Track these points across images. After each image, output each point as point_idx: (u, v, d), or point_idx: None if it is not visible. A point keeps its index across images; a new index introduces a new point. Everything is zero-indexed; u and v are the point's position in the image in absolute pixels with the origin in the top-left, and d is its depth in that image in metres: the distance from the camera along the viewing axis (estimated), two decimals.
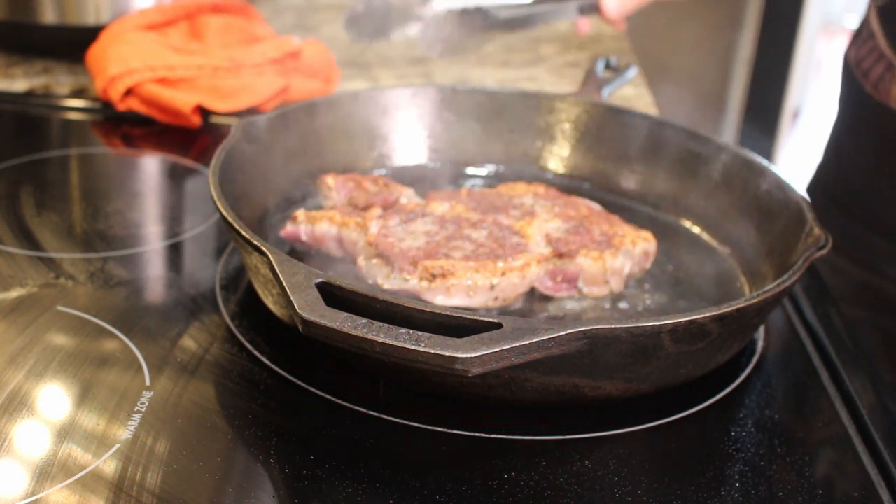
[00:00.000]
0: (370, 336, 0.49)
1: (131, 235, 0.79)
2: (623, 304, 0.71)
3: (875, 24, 1.08)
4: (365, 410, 0.60)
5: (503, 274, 0.66)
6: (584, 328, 0.52)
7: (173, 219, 0.84)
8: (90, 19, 1.14)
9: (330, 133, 0.87)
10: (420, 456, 0.57)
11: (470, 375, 0.49)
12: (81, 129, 1.04)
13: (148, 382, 0.60)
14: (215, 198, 0.65)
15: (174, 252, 0.78)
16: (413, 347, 0.49)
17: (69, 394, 0.59)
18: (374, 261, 0.67)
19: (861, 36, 1.12)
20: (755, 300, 0.59)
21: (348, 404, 0.60)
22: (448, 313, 0.53)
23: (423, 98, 0.91)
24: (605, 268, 0.70)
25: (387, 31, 1.27)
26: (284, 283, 0.53)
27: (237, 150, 0.74)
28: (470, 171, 0.93)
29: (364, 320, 0.50)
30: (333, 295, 0.53)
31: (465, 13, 1.17)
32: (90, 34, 1.09)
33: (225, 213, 0.62)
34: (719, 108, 2.02)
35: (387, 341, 0.49)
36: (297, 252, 0.73)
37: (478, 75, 1.25)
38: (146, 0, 1.15)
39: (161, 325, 0.67)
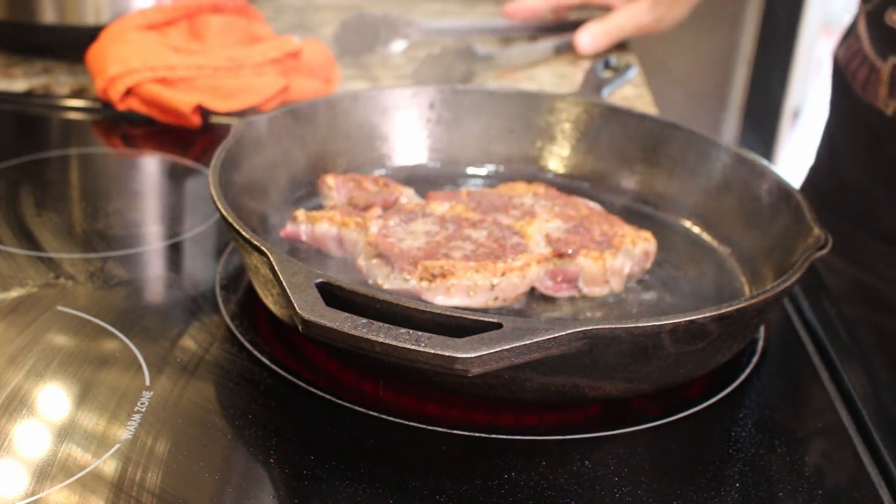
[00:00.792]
0: (370, 336, 0.49)
1: (131, 235, 0.79)
2: (623, 304, 0.71)
3: (861, 28, 1.09)
4: (365, 410, 0.60)
5: (503, 274, 0.66)
6: (584, 328, 0.52)
7: (173, 219, 0.84)
8: (90, 19, 1.14)
9: (330, 133, 0.87)
10: (420, 456, 0.57)
11: (470, 375, 0.49)
12: (81, 129, 1.04)
13: (148, 382, 0.60)
14: (215, 198, 0.65)
15: (174, 252, 0.78)
16: (413, 347, 0.49)
17: (69, 394, 0.59)
18: (374, 261, 0.67)
19: (849, 38, 1.13)
20: (755, 300, 0.59)
21: (348, 404, 0.60)
22: (448, 313, 0.53)
23: (423, 98, 0.91)
24: (606, 268, 0.70)
25: (373, 48, 1.30)
26: (284, 283, 0.53)
27: (237, 150, 0.74)
28: (470, 171, 0.93)
29: (364, 320, 0.50)
30: (333, 295, 0.53)
31: (452, 51, 1.21)
32: (90, 34, 1.09)
33: (225, 213, 0.62)
34: (719, 108, 2.02)
35: (387, 341, 0.49)
36: (297, 252, 0.73)
37: (480, 75, 1.25)
38: (146, 0, 1.15)
39: (161, 325, 0.67)
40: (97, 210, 0.83)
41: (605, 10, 1.44)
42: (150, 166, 0.98)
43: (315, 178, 0.81)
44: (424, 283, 0.64)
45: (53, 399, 0.59)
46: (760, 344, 0.71)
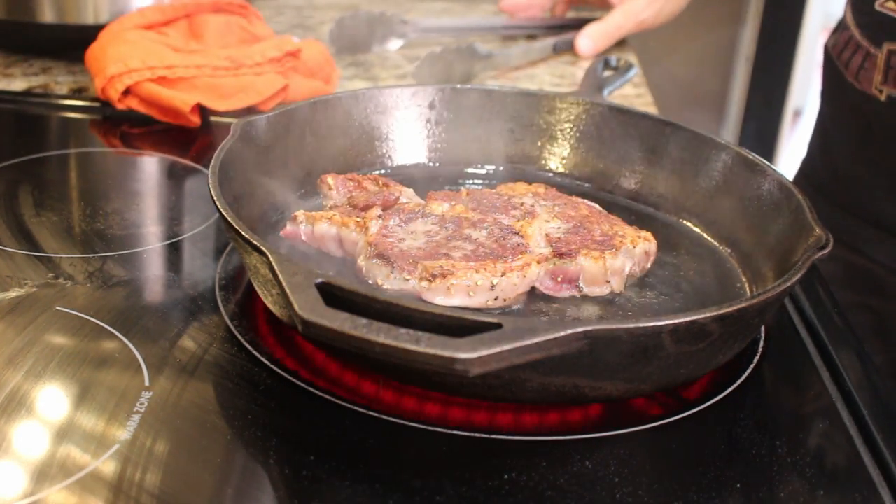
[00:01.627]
0: (370, 336, 0.49)
1: (130, 235, 0.79)
2: (624, 305, 0.71)
3: (849, 16, 1.11)
4: (365, 410, 0.60)
5: (503, 274, 0.66)
6: (584, 328, 0.52)
7: (172, 219, 0.84)
8: (89, 18, 1.14)
9: (330, 133, 0.86)
10: (420, 456, 0.57)
11: (470, 376, 0.49)
12: (80, 129, 1.04)
13: (147, 383, 0.60)
14: (215, 197, 0.64)
15: (173, 252, 0.78)
16: (413, 348, 0.49)
17: (68, 394, 0.59)
18: (374, 261, 0.67)
19: (839, 28, 1.15)
20: (756, 300, 0.59)
21: (348, 404, 0.60)
22: (448, 313, 0.53)
23: (423, 98, 0.91)
24: (606, 268, 0.70)
25: (368, 47, 1.30)
26: (284, 284, 0.53)
27: (237, 149, 0.74)
28: (470, 171, 0.93)
29: (364, 320, 0.50)
30: (333, 295, 0.53)
31: (452, 50, 1.21)
32: (89, 33, 1.09)
33: (224, 213, 0.62)
34: (720, 107, 2.02)
35: (387, 341, 0.49)
36: (297, 252, 0.73)
37: (479, 75, 1.25)
38: None
39: (160, 325, 0.66)
40: (96, 210, 0.83)
41: (605, 7, 1.44)
42: (150, 166, 0.97)
43: (315, 178, 0.81)
44: (424, 283, 0.64)
45: (52, 399, 0.59)
46: (761, 344, 0.71)
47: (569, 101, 0.92)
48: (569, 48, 1.37)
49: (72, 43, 1.13)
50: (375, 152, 0.90)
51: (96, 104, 1.06)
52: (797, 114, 3.15)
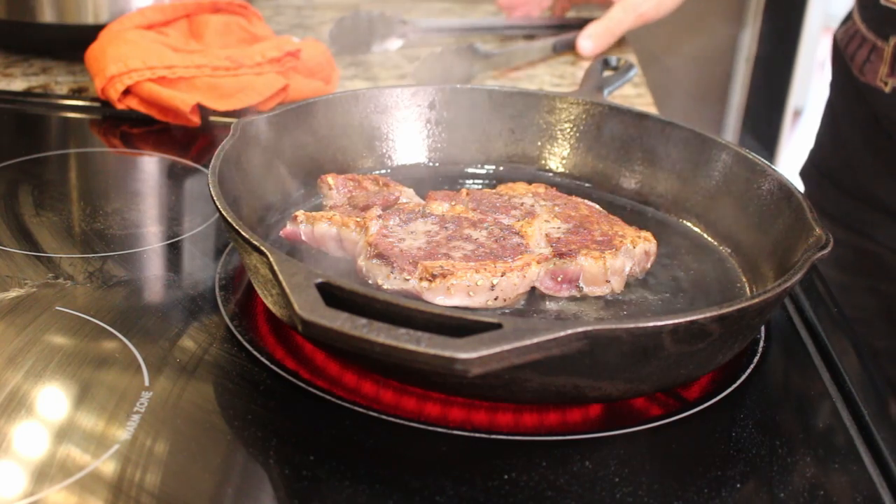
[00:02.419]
0: (370, 336, 0.49)
1: (130, 235, 0.79)
2: (624, 304, 0.71)
3: (855, 11, 1.13)
4: (365, 411, 0.60)
5: (503, 274, 0.66)
6: (584, 328, 0.52)
7: (172, 219, 0.84)
8: (89, 18, 1.14)
9: (330, 133, 0.86)
10: (420, 456, 0.57)
11: (470, 376, 0.49)
12: (80, 129, 1.04)
13: (147, 383, 0.60)
14: (214, 197, 0.64)
15: (173, 252, 0.78)
16: (413, 348, 0.49)
17: (68, 394, 0.59)
18: (374, 261, 0.67)
19: (847, 21, 1.18)
20: (756, 300, 0.59)
21: (348, 404, 0.60)
22: (448, 313, 0.53)
23: (422, 98, 0.91)
24: (606, 267, 0.70)
25: (368, 46, 1.30)
26: (284, 284, 0.53)
27: (236, 149, 0.74)
28: (470, 171, 0.93)
29: (364, 320, 0.50)
30: (333, 295, 0.53)
31: (452, 50, 1.21)
32: (89, 33, 1.09)
33: (224, 213, 0.62)
34: (720, 107, 2.02)
35: (387, 342, 0.49)
36: (297, 252, 0.73)
37: (478, 75, 1.25)
38: None
39: (160, 325, 0.66)
40: (96, 210, 0.83)
41: (605, 4, 1.44)
42: (150, 166, 0.97)
43: (315, 178, 0.81)
44: (424, 284, 0.64)
45: (52, 399, 0.59)
46: (761, 344, 0.71)
47: (569, 101, 0.92)
48: (569, 48, 1.37)
49: (72, 43, 1.13)
50: (375, 152, 0.90)
51: (96, 104, 1.06)
52: (797, 114, 3.15)
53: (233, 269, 0.74)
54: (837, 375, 0.68)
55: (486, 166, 0.93)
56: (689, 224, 0.85)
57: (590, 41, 1.35)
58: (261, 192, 0.77)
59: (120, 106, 1.02)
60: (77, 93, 1.10)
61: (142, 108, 1.02)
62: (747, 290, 0.76)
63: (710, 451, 0.59)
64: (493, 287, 0.66)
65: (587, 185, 0.91)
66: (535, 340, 0.50)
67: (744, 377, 0.67)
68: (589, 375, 0.57)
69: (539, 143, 0.93)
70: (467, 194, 0.78)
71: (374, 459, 0.56)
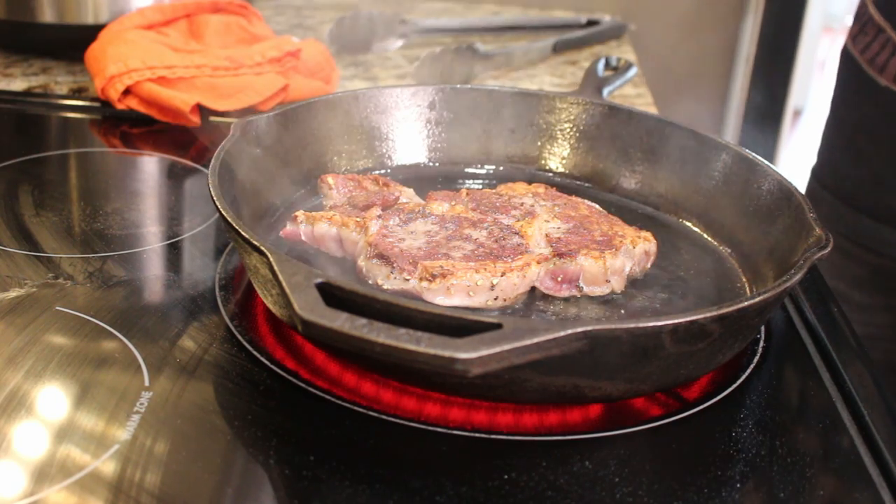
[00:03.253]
0: (370, 336, 0.49)
1: (130, 235, 0.79)
2: (624, 304, 0.71)
3: (876, 16, 1.09)
4: (365, 411, 0.60)
5: (503, 274, 0.66)
6: (584, 328, 0.52)
7: (172, 219, 0.84)
8: (89, 18, 1.14)
9: (330, 133, 0.86)
10: (420, 456, 0.57)
11: (470, 376, 0.49)
12: (80, 129, 1.04)
13: (147, 383, 0.60)
14: (214, 197, 0.64)
15: (173, 252, 0.78)
16: (413, 348, 0.49)
17: (68, 394, 0.59)
18: (374, 261, 0.67)
19: (864, 29, 1.14)
20: (756, 300, 0.59)
21: (348, 404, 0.60)
22: (448, 313, 0.53)
23: (422, 98, 0.91)
24: (606, 267, 0.70)
25: (368, 46, 1.30)
26: (284, 284, 0.53)
27: (236, 149, 0.74)
28: (470, 171, 0.93)
29: (364, 320, 0.50)
30: (333, 295, 0.53)
31: (452, 50, 1.21)
32: (89, 33, 1.09)
33: (224, 213, 0.62)
34: (720, 107, 2.02)
35: (387, 341, 0.49)
36: (297, 252, 0.73)
37: (478, 75, 1.25)
38: None
39: (160, 325, 0.66)
40: (96, 210, 0.83)
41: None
42: (150, 166, 0.97)
43: (315, 178, 0.81)
44: (424, 284, 0.64)
45: (52, 399, 0.59)
46: (761, 344, 0.71)
47: (569, 101, 0.92)
48: (569, 48, 1.37)
49: (72, 43, 1.13)
50: (375, 152, 0.90)
51: (96, 104, 1.06)
52: (797, 114, 3.15)
53: (233, 269, 0.74)
54: (837, 375, 0.68)
55: (486, 166, 0.93)
56: (689, 224, 0.85)
57: None
58: (261, 192, 0.77)
59: (120, 106, 1.02)
60: (77, 93, 1.10)
61: (142, 108, 1.02)
62: (747, 290, 0.76)
63: (710, 451, 0.59)
64: (493, 287, 0.66)
65: (587, 185, 0.91)
66: (535, 340, 0.50)
67: (744, 377, 0.67)
68: (589, 375, 0.57)
69: (539, 143, 0.93)
70: (467, 194, 0.78)
71: (374, 459, 0.56)
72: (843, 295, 0.79)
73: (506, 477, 0.55)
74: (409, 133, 0.91)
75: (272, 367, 0.63)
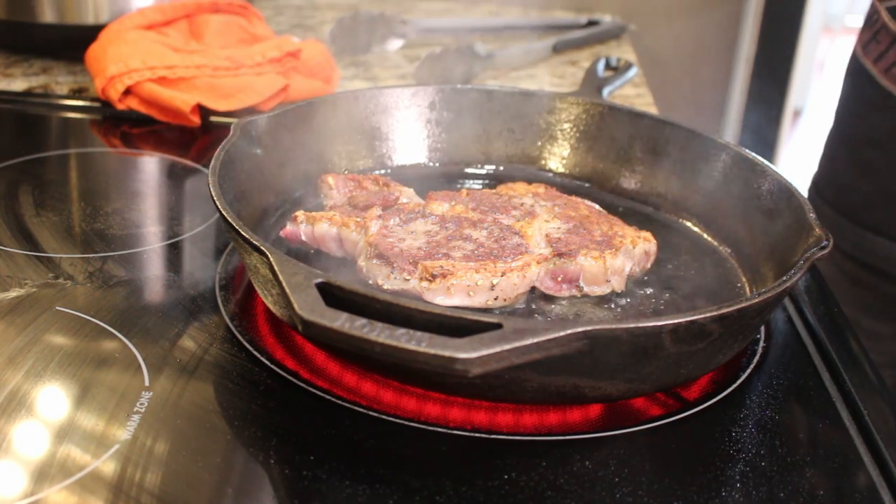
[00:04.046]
0: (370, 336, 0.49)
1: (130, 235, 0.79)
2: (624, 304, 0.71)
3: (891, 24, 1.05)
4: (365, 410, 0.60)
5: (503, 274, 0.66)
6: (584, 328, 0.52)
7: (173, 219, 0.84)
8: (89, 19, 1.14)
9: (330, 133, 0.86)
10: (420, 456, 0.57)
11: (470, 376, 0.49)
12: (80, 129, 1.04)
13: (147, 383, 0.60)
14: (215, 198, 0.64)
15: (173, 252, 0.78)
16: (413, 348, 0.49)
17: (68, 394, 0.59)
18: (374, 261, 0.67)
19: (877, 37, 1.08)
20: (756, 300, 0.59)
21: (348, 404, 0.60)
22: (448, 313, 0.53)
23: (423, 98, 0.91)
24: (606, 267, 0.70)
25: (368, 46, 1.31)
26: (284, 284, 0.53)
27: (237, 149, 0.74)
28: (470, 171, 0.93)
29: (364, 320, 0.50)
30: (333, 295, 0.53)
31: (452, 51, 1.21)
32: (89, 33, 1.09)
33: (224, 213, 0.62)
34: (720, 107, 2.02)
35: (387, 341, 0.49)
36: (297, 252, 0.73)
37: (478, 75, 1.25)
38: None
39: (160, 325, 0.66)
40: (96, 210, 0.83)
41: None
42: (150, 166, 0.97)
43: (315, 178, 0.81)
44: (424, 284, 0.64)
45: (52, 399, 0.59)
46: (761, 344, 0.71)
47: (569, 101, 0.92)
48: (569, 48, 1.37)
49: (72, 43, 1.13)
50: (375, 152, 0.90)
51: (96, 104, 1.06)
52: (797, 114, 3.15)
53: (233, 269, 0.74)
54: (837, 375, 0.68)
55: (486, 166, 0.93)
56: (689, 224, 0.85)
57: None
58: (261, 192, 0.77)
59: (120, 106, 1.02)
60: (77, 93, 1.10)
61: (142, 109, 1.02)
62: (747, 290, 0.76)
63: (710, 451, 0.59)
64: (493, 287, 0.66)
65: (587, 185, 0.91)
66: (535, 340, 0.50)
67: (744, 377, 0.67)
68: (589, 375, 0.58)
69: (539, 143, 0.93)
70: (467, 194, 0.78)
71: (374, 459, 0.56)
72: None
73: (506, 477, 0.55)
74: (409, 133, 0.91)
75: (272, 367, 0.63)
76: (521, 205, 0.77)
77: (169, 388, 0.60)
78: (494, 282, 0.66)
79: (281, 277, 0.54)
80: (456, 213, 0.74)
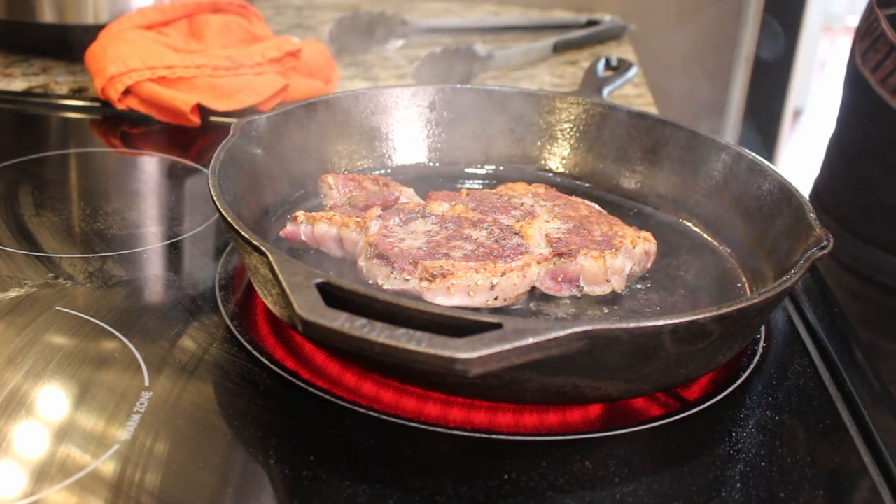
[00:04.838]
0: (370, 336, 0.49)
1: (130, 235, 0.79)
2: (624, 305, 0.71)
3: (890, 33, 1.02)
4: (365, 411, 0.60)
5: (503, 274, 0.66)
6: (584, 328, 0.52)
7: (172, 219, 0.84)
8: (89, 19, 1.14)
9: (330, 133, 0.86)
10: (420, 456, 0.57)
11: (470, 376, 0.49)
12: (80, 129, 1.04)
13: (147, 383, 0.60)
14: (215, 198, 0.64)
15: (173, 252, 0.78)
16: (413, 348, 0.49)
17: (68, 394, 0.59)
18: (374, 261, 0.67)
19: (876, 45, 1.06)
20: (756, 300, 0.59)
21: (348, 404, 0.60)
22: (448, 313, 0.53)
23: (422, 98, 0.91)
24: (606, 267, 0.70)
25: (368, 46, 1.31)
26: (284, 284, 0.53)
27: (237, 149, 0.74)
28: (470, 171, 0.93)
29: (364, 320, 0.50)
30: (333, 295, 0.53)
31: (452, 51, 1.21)
32: (89, 33, 1.09)
33: (224, 213, 0.62)
34: (720, 107, 2.02)
35: (387, 342, 0.49)
36: (297, 252, 0.73)
37: (478, 75, 1.25)
38: None
39: (160, 325, 0.66)
40: (96, 210, 0.83)
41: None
42: (150, 166, 0.97)
43: (315, 178, 0.81)
44: (424, 284, 0.64)
45: (52, 399, 0.59)
46: (761, 344, 0.71)
47: (569, 101, 0.92)
48: (569, 48, 1.37)
49: (72, 43, 1.13)
50: (375, 152, 0.90)
51: (96, 104, 1.06)
52: (797, 114, 3.15)
53: (233, 269, 0.74)
54: (837, 375, 0.68)
55: (486, 166, 0.93)
56: (689, 224, 0.85)
57: None
58: (261, 192, 0.77)
59: (120, 106, 1.02)
60: (77, 93, 1.10)
61: (142, 109, 1.02)
62: (747, 290, 0.76)
63: (710, 452, 0.59)
64: (493, 287, 0.66)
65: (587, 185, 0.91)
66: (535, 340, 0.50)
67: (744, 377, 0.67)
68: (589, 375, 0.57)
69: (539, 143, 0.93)
70: (467, 194, 0.78)
71: (374, 459, 0.56)
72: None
73: (506, 477, 0.55)
74: (409, 133, 0.91)
75: (272, 367, 0.63)
76: (521, 205, 0.77)
77: (169, 388, 0.60)
78: (494, 282, 0.66)
79: (281, 277, 0.53)
80: (456, 213, 0.74)
